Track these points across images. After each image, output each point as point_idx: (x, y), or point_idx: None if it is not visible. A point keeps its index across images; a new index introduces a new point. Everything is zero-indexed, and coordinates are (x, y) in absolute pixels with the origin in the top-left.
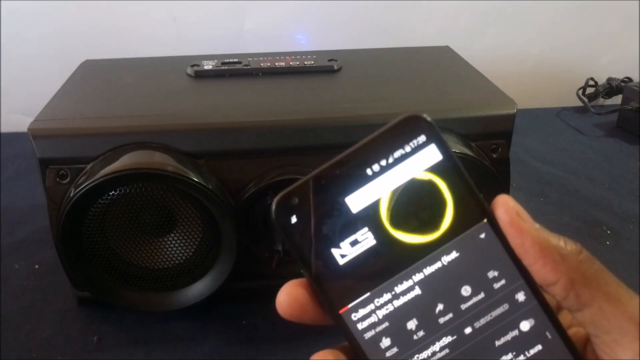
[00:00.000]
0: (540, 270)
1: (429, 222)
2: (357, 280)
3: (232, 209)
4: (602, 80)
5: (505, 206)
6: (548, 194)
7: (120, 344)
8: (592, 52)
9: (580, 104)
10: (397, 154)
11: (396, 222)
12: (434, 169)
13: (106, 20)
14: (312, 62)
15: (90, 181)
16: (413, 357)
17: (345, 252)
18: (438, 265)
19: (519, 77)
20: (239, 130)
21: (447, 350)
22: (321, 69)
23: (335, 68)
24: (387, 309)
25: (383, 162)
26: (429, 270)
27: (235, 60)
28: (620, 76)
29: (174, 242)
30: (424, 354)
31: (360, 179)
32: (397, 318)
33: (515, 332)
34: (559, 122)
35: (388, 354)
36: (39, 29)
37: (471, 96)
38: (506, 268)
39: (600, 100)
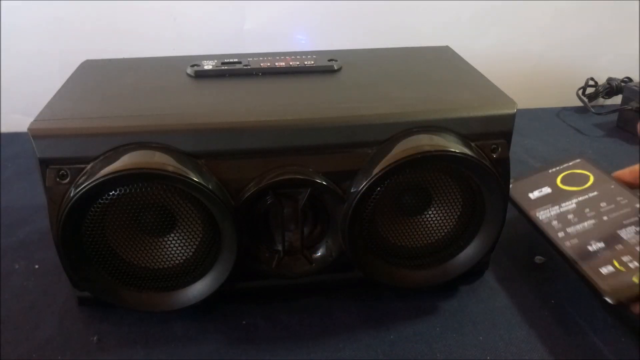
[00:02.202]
0: None
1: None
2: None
3: (232, 209)
4: (602, 80)
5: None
6: None
7: (120, 344)
8: (592, 52)
9: (580, 104)
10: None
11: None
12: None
13: (106, 20)
14: (312, 62)
15: (90, 181)
16: (570, 228)
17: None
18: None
19: (519, 77)
20: (239, 130)
21: (592, 226)
22: (321, 69)
23: (335, 68)
24: (557, 211)
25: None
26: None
27: (235, 60)
28: (620, 76)
29: (174, 242)
30: (576, 228)
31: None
32: (563, 214)
33: (636, 218)
34: (559, 122)
35: (554, 225)
36: (39, 28)
37: (471, 96)
38: (628, 195)
39: (600, 100)
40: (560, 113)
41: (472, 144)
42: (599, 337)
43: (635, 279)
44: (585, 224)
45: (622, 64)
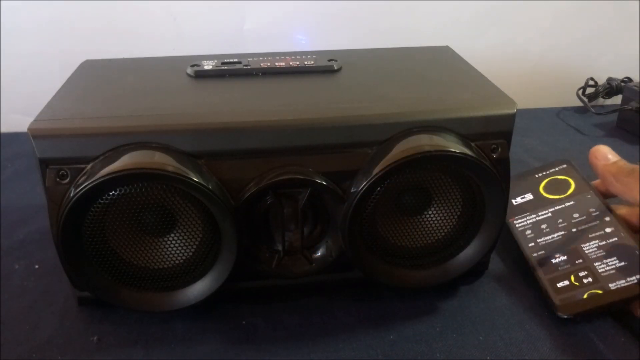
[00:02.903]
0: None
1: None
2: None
3: (232, 209)
4: (602, 80)
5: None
6: None
7: (120, 344)
8: (592, 52)
9: (580, 104)
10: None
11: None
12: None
13: (106, 20)
14: (312, 62)
15: (90, 181)
16: (540, 239)
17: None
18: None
19: (519, 77)
20: (239, 130)
21: (560, 238)
22: (321, 69)
23: (335, 68)
24: (533, 220)
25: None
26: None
27: (235, 60)
28: (620, 76)
29: (174, 242)
30: (546, 238)
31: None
32: (538, 223)
33: (601, 232)
34: (559, 122)
35: (527, 234)
36: (39, 28)
37: (471, 96)
38: (600, 206)
39: (600, 100)
40: (560, 113)
41: (472, 144)
42: (599, 337)
43: (586, 296)
44: (555, 235)
45: (622, 64)
